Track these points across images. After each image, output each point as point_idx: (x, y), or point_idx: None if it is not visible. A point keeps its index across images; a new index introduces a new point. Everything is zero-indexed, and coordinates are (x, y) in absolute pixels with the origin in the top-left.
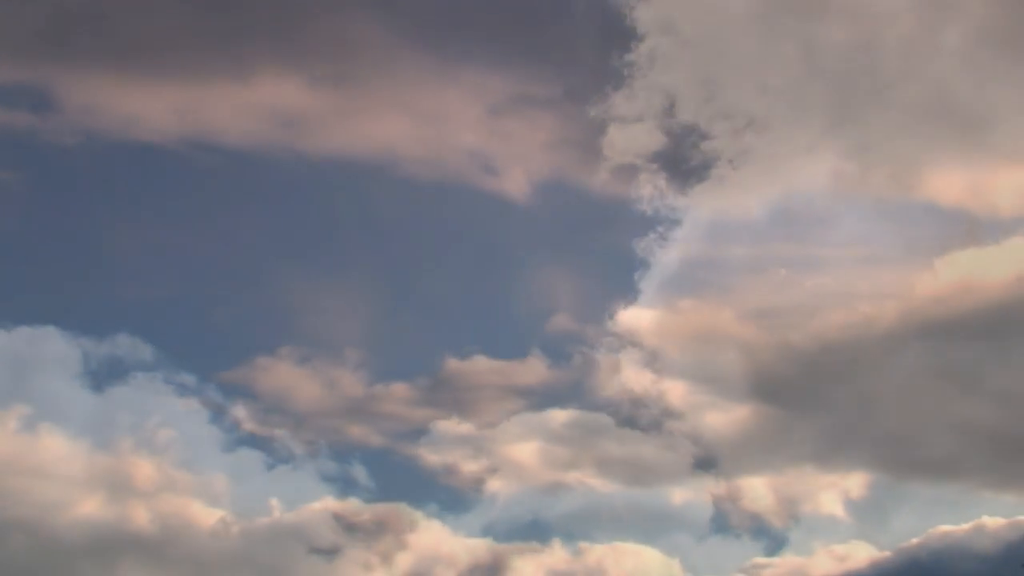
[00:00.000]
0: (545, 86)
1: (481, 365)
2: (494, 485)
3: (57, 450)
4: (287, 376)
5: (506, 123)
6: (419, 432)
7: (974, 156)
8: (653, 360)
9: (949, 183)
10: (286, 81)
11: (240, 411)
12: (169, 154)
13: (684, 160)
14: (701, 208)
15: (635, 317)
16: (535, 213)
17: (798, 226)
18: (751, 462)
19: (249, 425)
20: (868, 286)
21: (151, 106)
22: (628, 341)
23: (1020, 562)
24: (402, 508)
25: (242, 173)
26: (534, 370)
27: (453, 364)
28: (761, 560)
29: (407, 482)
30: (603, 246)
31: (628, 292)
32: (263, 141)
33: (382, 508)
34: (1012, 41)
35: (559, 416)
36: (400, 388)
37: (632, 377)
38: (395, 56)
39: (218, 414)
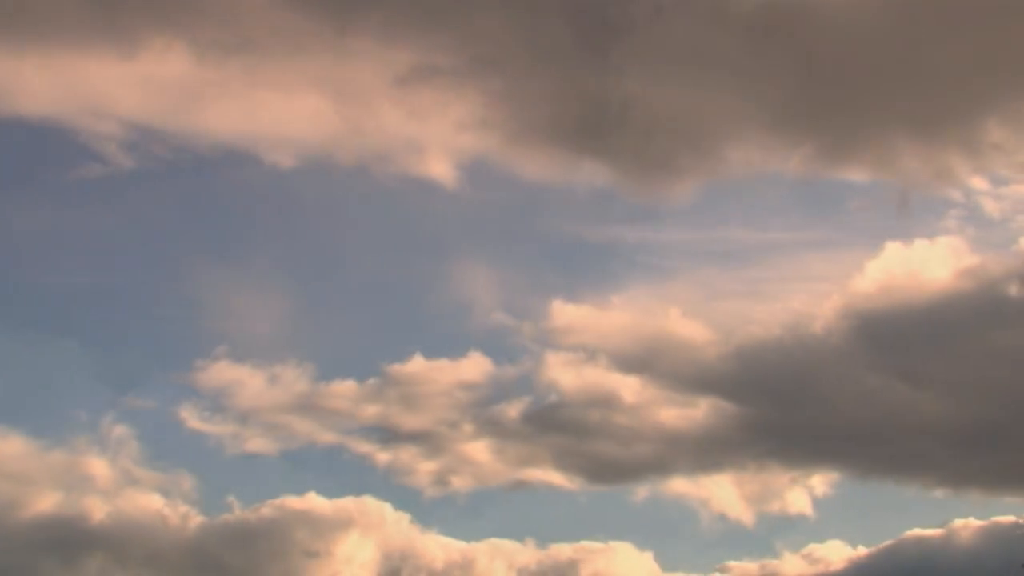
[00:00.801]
0: (450, 55)
1: (421, 365)
2: (452, 482)
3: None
4: (229, 375)
5: (419, 98)
6: (369, 430)
7: (923, 144)
8: (600, 355)
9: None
10: (174, 52)
11: (187, 410)
12: (55, 128)
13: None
14: (642, 198)
15: (578, 311)
16: (463, 199)
17: (744, 216)
18: (713, 459)
19: (196, 423)
20: (817, 275)
21: (35, 79)
22: (573, 336)
23: (995, 565)
24: (366, 503)
25: (137, 150)
26: (478, 367)
27: (395, 363)
28: (732, 564)
29: (364, 479)
30: (538, 235)
31: (569, 285)
32: (155, 114)
33: (345, 504)
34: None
35: (510, 413)
36: (345, 387)
37: (579, 373)
38: (289, 23)
39: (166, 413)
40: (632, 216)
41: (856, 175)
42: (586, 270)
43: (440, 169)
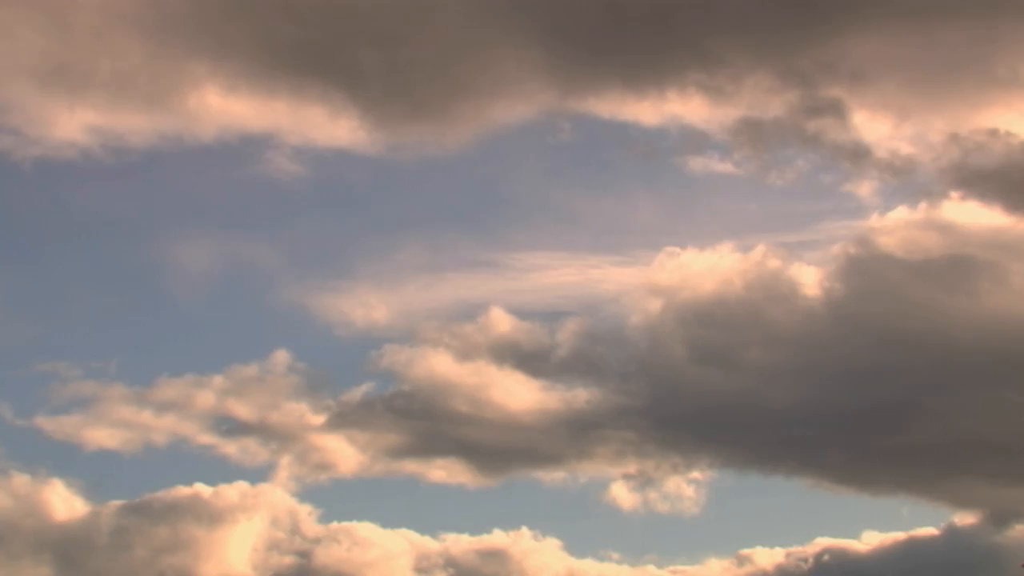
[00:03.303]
0: None
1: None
2: (320, 473)
3: None
4: (41, 371)
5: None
6: (210, 422)
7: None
8: (422, 341)
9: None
10: None
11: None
12: None
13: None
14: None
15: (373, 293)
16: (194, 159)
17: (518, 169)
18: (587, 446)
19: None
20: (606, 235)
21: None
22: (377, 319)
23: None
24: (242, 491)
25: None
26: (286, 359)
27: (208, 359)
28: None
29: (221, 470)
30: (292, 204)
31: (354, 262)
32: None
33: (221, 492)
34: None
35: (352, 402)
36: (166, 383)
37: (411, 362)
38: None
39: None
40: (396, 173)
41: (641, 118)
42: (362, 243)
43: (149, 119)
